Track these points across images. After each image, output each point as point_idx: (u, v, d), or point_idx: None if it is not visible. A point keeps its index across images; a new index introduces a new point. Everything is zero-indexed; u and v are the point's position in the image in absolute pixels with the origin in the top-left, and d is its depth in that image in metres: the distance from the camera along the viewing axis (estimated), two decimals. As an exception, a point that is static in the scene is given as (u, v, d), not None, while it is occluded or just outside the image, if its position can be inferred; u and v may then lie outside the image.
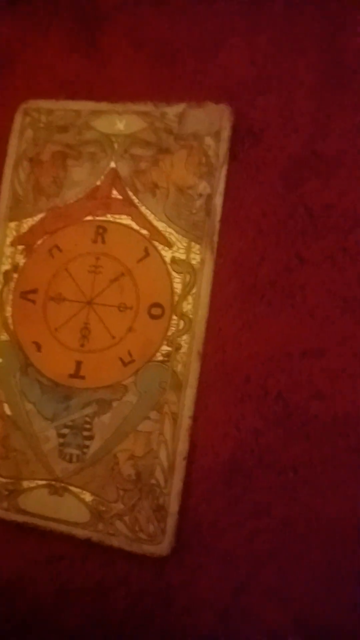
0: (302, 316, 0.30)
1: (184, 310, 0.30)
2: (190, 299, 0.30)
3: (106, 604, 0.30)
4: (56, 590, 0.30)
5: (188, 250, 0.31)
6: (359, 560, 0.28)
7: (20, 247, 0.33)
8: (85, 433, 0.30)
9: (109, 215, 0.32)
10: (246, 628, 0.29)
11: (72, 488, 0.30)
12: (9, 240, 0.33)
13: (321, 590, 0.28)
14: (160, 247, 0.31)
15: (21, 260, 0.33)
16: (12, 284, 0.33)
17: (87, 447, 0.30)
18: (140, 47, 0.35)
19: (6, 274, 0.33)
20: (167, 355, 0.30)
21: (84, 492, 0.30)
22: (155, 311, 0.31)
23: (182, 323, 0.30)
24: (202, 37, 0.34)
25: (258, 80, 0.33)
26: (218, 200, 0.31)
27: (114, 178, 0.32)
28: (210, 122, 0.31)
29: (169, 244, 0.31)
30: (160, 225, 0.31)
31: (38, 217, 0.33)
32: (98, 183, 0.32)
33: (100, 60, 0.35)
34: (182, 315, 0.30)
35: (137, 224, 0.32)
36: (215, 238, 0.31)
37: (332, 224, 0.31)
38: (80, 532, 0.30)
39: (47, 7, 0.37)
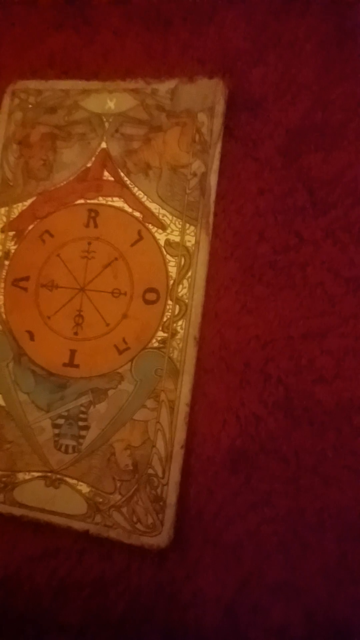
0: (303, 297, 0.31)
1: (180, 294, 0.32)
2: (185, 282, 0.32)
3: (105, 598, 0.31)
4: (54, 585, 0.32)
5: (182, 232, 0.32)
6: (369, 552, 0.29)
7: (10, 234, 0.34)
8: (81, 423, 0.32)
9: (100, 198, 0.33)
10: (253, 623, 0.30)
11: (68, 479, 0.32)
12: (-1, 226, 0.35)
13: (332, 582, 0.29)
14: (153, 229, 0.32)
15: (12, 247, 0.34)
16: (3, 272, 0.34)
17: (83, 437, 0.32)
18: (130, 19, 0.36)
19: (-3, 262, 0.34)
20: (163, 341, 0.31)
21: (81, 483, 0.31)
22: (150, 296, 0.32)
23: (177, 308, 0.31)
24: (194, 7, 0.35)
25: (254, 51, 0.34)
26: (213, 179, 0.32)
27: (105, 159, 0.33)
28: (204, 98, 0.32)
29: (162, 226, 0.32)
30: (154, 207, 0.32)
31: (28, 202, 0.34)
32: (89, 164, 0.34)
33: (90, 33, 0.37)
34: (177, 300, 0.32)
35: (130, 206, 0.33)
36: (211, 219, 0.32)
37: (333, 200, 0.31)
38: (77, 525, 0.31)
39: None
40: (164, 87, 0.33)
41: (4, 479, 0.32)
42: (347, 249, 0.31)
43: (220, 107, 0.32)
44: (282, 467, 0.30)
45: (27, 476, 0.32)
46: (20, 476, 0.32)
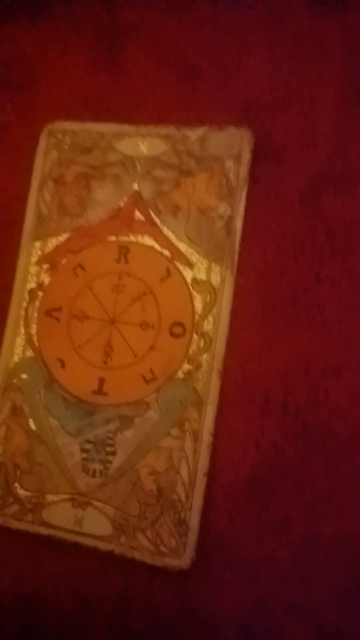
0: (321, 334, 0.33)
1: (205, 329, 0.34)
2: (210, 318, 0.34)
3: (128, 617, 0.33)
4: (78, 602, 0.34)
5: (209, 270, 0.34)
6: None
7: (45, 266, 0.37)
8: (108, 449, 0.34)
9: (131, 236, 0.36)
10: (267, 642, 0.32)
11: (95, 502, 0.33)
12: (34, 259, 0.37)
13: (345, 606, 0.31)
14: (181, 267, 0.35)
15: (46, 279, 0.36)
16: (37, 302, 0.36)
17: (110, 462, 0.34)
18: (161, 64, 0.39)
19: (31, 292, 0.36)
20: (188, 373, 0.34)
21: (107, 506, 0.33)
22: (177, 330, 0.34)
23: (202, 342, 0.34)
24: (222, 54, 0.38)
25: (277, 100, 0.36)
26: (238, 222, 0.34)
27: (137, 199, 0.36)
28: (231, 146, 0.35)
29: (190, 265, 0.35)
30: (182, 246, 0.35)
31: (63, 237, 0.37)
32: (121, 204, 0.36)
33: (122, 77, 0.39)
34: (202, 334, 0.34)
35: (159, 244, 0.35)
36: (236, 258, 0.34)
37: (350, 241, 0.34)
38: (102, 545, 0.33)
39: (68, 24, 0.41)
40: (194, 134, 0.35)
41: (33, 500, 0.34)
42: (363, 290, 0.33)
43: (246, 155, 0.35)
44: (299, 495, 0.32)
45: (56, 498, 0.34)
46: (49, 498, 0.34)
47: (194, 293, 0.34)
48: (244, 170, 0.34)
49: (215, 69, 0.38)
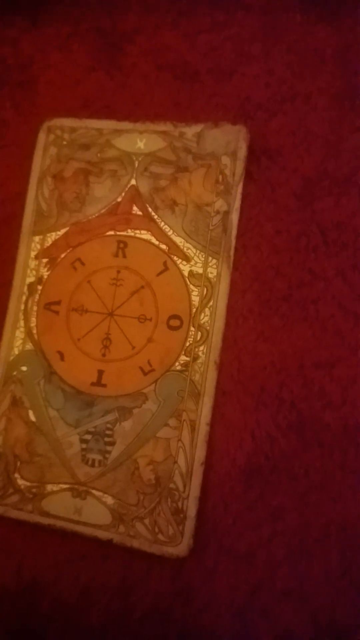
0: (315, 329, 0.33)
1: (202, 321, 0.34)
2: (207, 311, 0.34)
3: (127, 603, 0.33)
4: (78, 589, 0.34)
5: (205, 264, 0.34)
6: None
7: (44, 260, 0.36)
8: (107, 439, 0.33)
9: (129, 230, 0.35)
10: (262, 627, 0.32)
11: (94, 492, 0.33)
12: (33, 253, 0.36)
13: (335, 590, 0.31)
14: (178, 261, 0.34)
15: (45, 273, 0.36)
16: (36, 296, 0.36)
17: (109, 452, 0.33)
18: (160, 68, 0.38)
19: (31, 286, 0.36)
20: (186, 365, 0.33)
21: (106, 495, 0.33)
22: (174, 322, 0.34)
23: (199, 334, 0.33)
24: (219, 60, 0.38)
25: (273, 102, 0.36)
26: (234, 217, 0.34)
27: (135, 195, 0.35)
28: (227, 142, 0.35)
29: (187, 259, 0.34)
30: (179, 241, 0.35)
31: (61, 232, 0.36)
32: (119, 199, 0.36)
33: (121, 79, 0.39)
34: (199, 327, 0.34)
35: (157, 239, 0.35)
36: (232, 253, 0.34)
37: (343, 241, 0.34)
38: (102, 534, 0.33)
39: (69, 27, 0.41)
40: (191, 130, 0.35)
41: (33, 490, 0.34)
42: (356, 286, 0.33)
43: (242, 152, 0.34)
44: (293, 484, 0.32)
45: (56, 488, 0.34)
46: (49, 487, 0.34)
47: (191, 286, 0.34)
48: (239, 167, 0.34)
49: (212, 74, 0.38)
